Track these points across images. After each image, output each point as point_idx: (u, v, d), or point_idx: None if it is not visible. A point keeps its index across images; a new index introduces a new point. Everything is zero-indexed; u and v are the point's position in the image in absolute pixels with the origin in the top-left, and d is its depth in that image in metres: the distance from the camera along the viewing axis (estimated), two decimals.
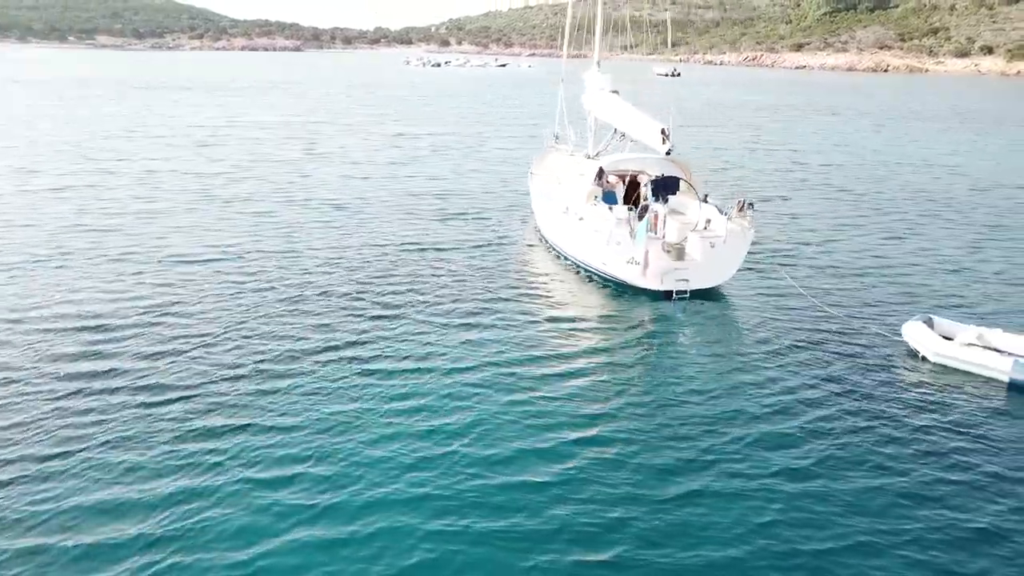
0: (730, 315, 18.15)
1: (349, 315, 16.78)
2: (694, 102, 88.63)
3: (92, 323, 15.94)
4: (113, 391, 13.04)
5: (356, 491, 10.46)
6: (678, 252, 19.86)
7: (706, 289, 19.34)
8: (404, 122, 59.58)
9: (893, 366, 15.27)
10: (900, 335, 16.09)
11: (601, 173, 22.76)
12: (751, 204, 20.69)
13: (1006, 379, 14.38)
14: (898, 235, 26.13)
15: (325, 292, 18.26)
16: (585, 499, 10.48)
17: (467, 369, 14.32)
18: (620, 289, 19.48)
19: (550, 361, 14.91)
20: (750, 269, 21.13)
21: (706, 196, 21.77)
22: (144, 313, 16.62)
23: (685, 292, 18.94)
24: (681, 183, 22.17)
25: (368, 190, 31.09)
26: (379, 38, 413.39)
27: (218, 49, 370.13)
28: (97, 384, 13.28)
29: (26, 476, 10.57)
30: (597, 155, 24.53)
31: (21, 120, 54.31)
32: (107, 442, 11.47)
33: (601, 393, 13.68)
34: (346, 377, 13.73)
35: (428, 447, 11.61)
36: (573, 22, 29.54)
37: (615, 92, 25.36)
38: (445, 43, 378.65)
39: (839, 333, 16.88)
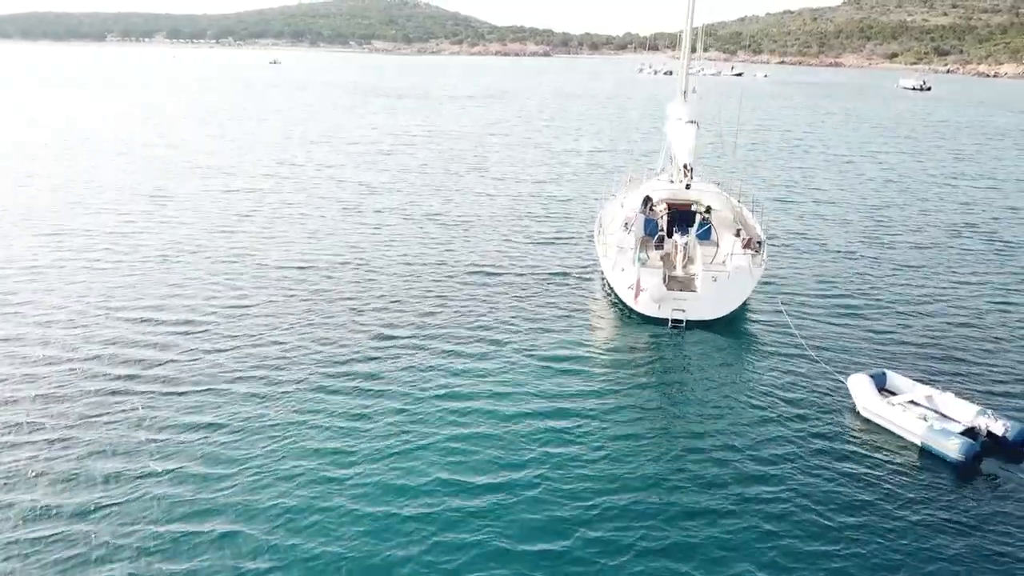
0: (713, 348, 19.01)
1: (372, 332, 18.88)
2: (913, 122, 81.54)
3: (163, 316, 19.99)
4: (156, 378, 17.09)
5: (269, 495, 13.53)
6: (684, 283, 20.89)
7: (708, 320, 20.12)
8: (579, 138, 62.28)
9: (830, 417, 15.63)
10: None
11: (647, 201, 24.02)
12: (759, 242, 21.11)
13: (919, 443, 14.31)
14: (953, 286, 24.48)
15: (365, 307, 20.85)
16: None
17: (436, 388, 16.33)
18: (629, 314, 20.81)
19: (515, 377, 16.93)
20: (759, 304, 21.59)
21: (739, 231, 22.36)
22: (217, 310, 20.64)
23: (681, 322, 19.92)
24: (714, 216, 22.91)
25: (487, 207, 34.11)
26: (626, 44, 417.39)
27: (474, 54, 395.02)
28: (147, 370, 17.61)
29: (72, 423, 15.02)
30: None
31: (248, 122, 64.62)
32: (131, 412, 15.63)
33: (542, 411, 15.38)
34: (338, 390, 15.88)
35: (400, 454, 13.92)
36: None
37: (693, 123, 26.01)
38: (691, 49, 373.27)
39: (805, 378, 17.29)
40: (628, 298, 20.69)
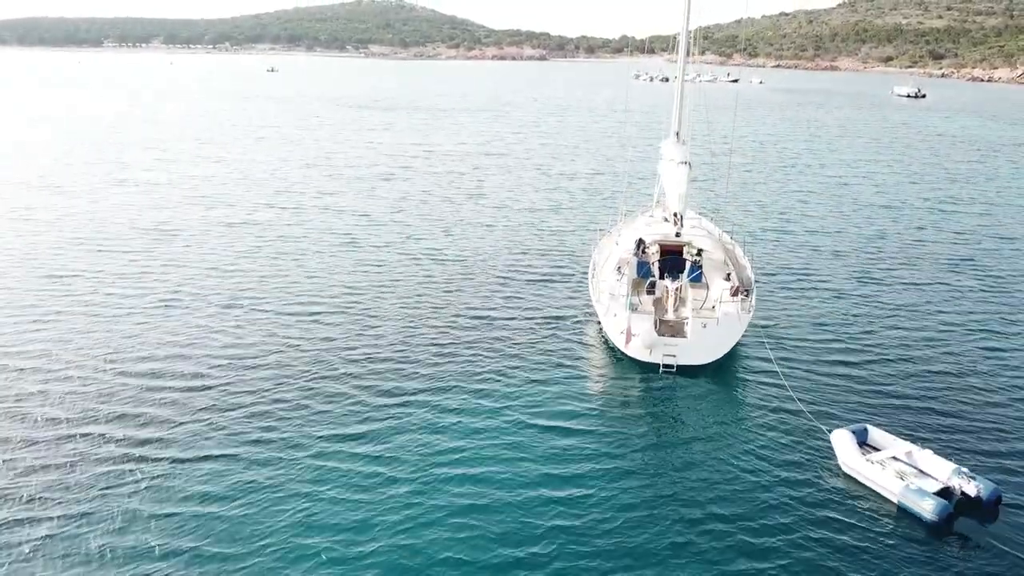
0: (704, 397, 19.68)
1: (374, 390, 19.35)
2: (908, 136, 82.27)
3: (166, 371, 20.66)
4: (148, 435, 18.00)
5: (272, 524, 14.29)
6: (675, 328, 21.54)
7: (698, 366, 20.76)
8: (575, 157, 63.00)
9: (813, 473, 16.28)
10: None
11: (640, 243, 24.63)
12: (747, 290, 21.77)
13: (895, 501, 14.94)
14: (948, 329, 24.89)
15: (366, 359, 21.32)
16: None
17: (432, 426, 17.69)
18: (622, 359, 21.51)
19: (511, 415, 18.06)
20: (749, 347, 22.35)
21: (728, 275, 22.99)
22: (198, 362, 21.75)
23: (672, 367, 20.57)
24: (704, 258, 23.56)
25: (486, 241, 34.62)
26: (622, 47, 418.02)
27: (470, 58, 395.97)
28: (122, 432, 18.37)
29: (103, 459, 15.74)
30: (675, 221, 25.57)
31: (232, 142, 65.16)
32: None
33: (531, 451, 16.60)
34: (341, 457, 16.24)
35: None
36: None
37: (685, 163, 26.47)
38: (687, 53, 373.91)
39: (791, 431, 17.93)
40: (620, 342, 21.35)
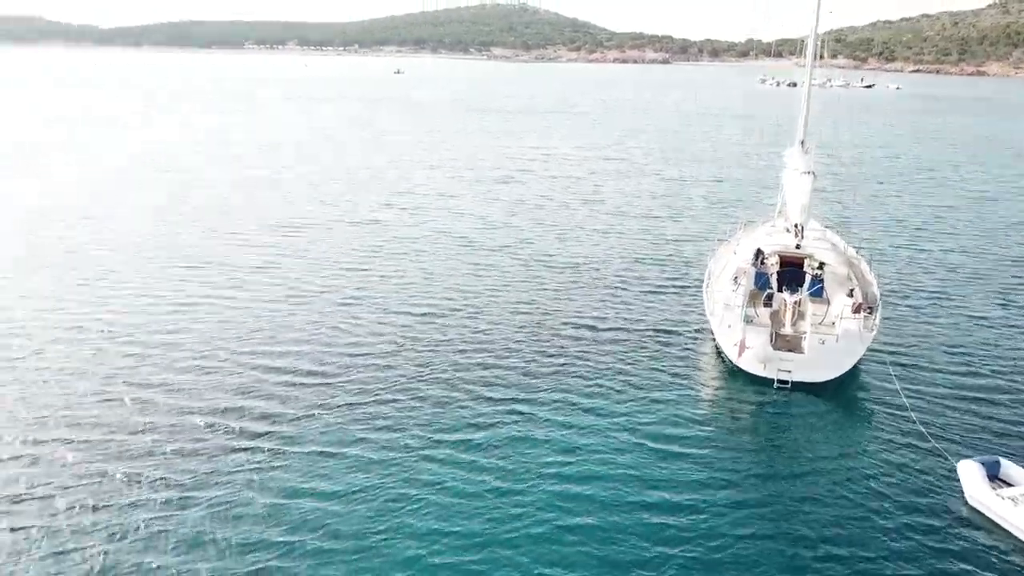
0: (820, 418, 18.88)
1: (480, 395, 19.49)
2: None
3: (283, 365, 21.78)
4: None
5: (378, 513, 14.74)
6: (792, 342, 20.85)
7: (814, 383, 20.00)
8: (697, 162, 61.82)
9: (937, 506, 15.35)
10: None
11: (759, 254, 23.96)
12: (871, 307, 20.78)
13: None
14: None
15: (475, 363, 21.57)
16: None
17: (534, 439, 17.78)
18: (735, 373, 20.94)
19: (617, 429, 17.87)
20: (871, 369, 21.28)
21: (852, 290, 22.06)
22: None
23: (787, 383, 19.92)
24: (827, 272, 22.67)
25: (600, 247, 34.52)
26: (748, 51, 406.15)
27: (591, 61, 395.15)
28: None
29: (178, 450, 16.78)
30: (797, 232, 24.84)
31: (372, 142, 67.52)
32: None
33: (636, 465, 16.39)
34: (444, 460, 16.33)
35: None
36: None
37: (810, 173, 25.59)
38: (819, 56, 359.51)
39: (913, 459, 16.96)
40: (733, 355, 20.85)
